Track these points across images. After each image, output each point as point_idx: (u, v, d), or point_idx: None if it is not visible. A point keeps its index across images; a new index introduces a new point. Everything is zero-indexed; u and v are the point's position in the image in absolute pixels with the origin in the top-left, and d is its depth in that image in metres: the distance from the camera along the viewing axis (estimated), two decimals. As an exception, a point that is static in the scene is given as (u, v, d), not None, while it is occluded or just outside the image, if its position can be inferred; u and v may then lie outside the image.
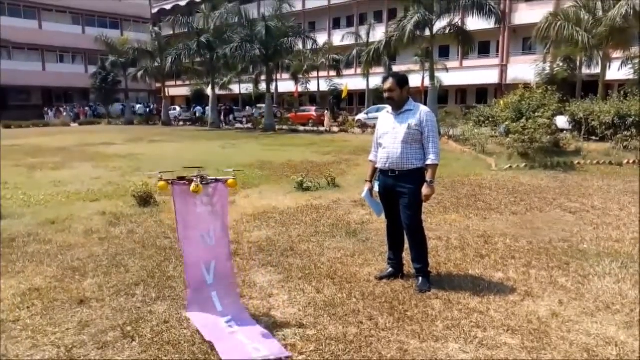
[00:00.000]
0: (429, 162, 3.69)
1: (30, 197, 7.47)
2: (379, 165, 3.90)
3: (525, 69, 28.92)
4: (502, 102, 15.03)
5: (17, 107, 40.65)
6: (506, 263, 4.37)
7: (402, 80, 3.78)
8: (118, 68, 35.72)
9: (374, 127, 24.60)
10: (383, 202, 3.95)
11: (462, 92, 38.74)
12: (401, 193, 3.75)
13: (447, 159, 11.27)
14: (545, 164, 10.41)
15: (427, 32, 19.88)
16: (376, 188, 3.96)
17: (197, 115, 34.22)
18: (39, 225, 5.82)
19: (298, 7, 40.89)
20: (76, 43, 44.37)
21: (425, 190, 3.68)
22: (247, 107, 39.83)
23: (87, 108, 41.37)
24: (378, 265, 4.29)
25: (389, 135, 3.79)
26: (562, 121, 15.81)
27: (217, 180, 3.21)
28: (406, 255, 4.03)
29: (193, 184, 3.08)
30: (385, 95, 3.81)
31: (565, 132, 14.38)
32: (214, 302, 3.22)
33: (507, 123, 12.52)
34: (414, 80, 30.04)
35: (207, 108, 35.02)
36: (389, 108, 3.88)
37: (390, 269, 4.00)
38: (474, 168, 10.49)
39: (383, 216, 4.06)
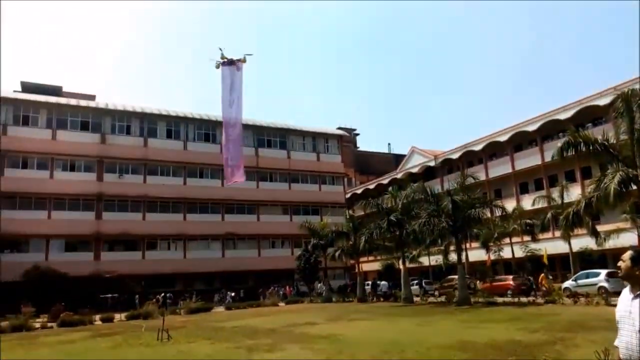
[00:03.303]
0: None
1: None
2: (620, 355, 3.35)
3: None
4: None
5: (236, 290, 47.08)
6: None
7: (635, 255, 3.35)
8: (319, 249, 39.82)
9: (586, 296, 21.77)
10: None
11: (698, 247, 32.21)
12: (649, 397, 3.16)
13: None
14: None
15: (634, 186, 18.12)
16: None
17: (383, 290, 35.27)
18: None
19: (481, 176, 41.66)
20: (285, 230, 51.44)
21: None
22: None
23: (291, 288, 45.72)
24: None
25: (625, 320, 3.31)
26: None
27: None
28: None
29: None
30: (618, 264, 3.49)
31: None
32: None
33: None
34: (628, 239, 26.36)
35: (381, 283, 36.75)
36: (628, 286, 3.43)
37: None
38: None
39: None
